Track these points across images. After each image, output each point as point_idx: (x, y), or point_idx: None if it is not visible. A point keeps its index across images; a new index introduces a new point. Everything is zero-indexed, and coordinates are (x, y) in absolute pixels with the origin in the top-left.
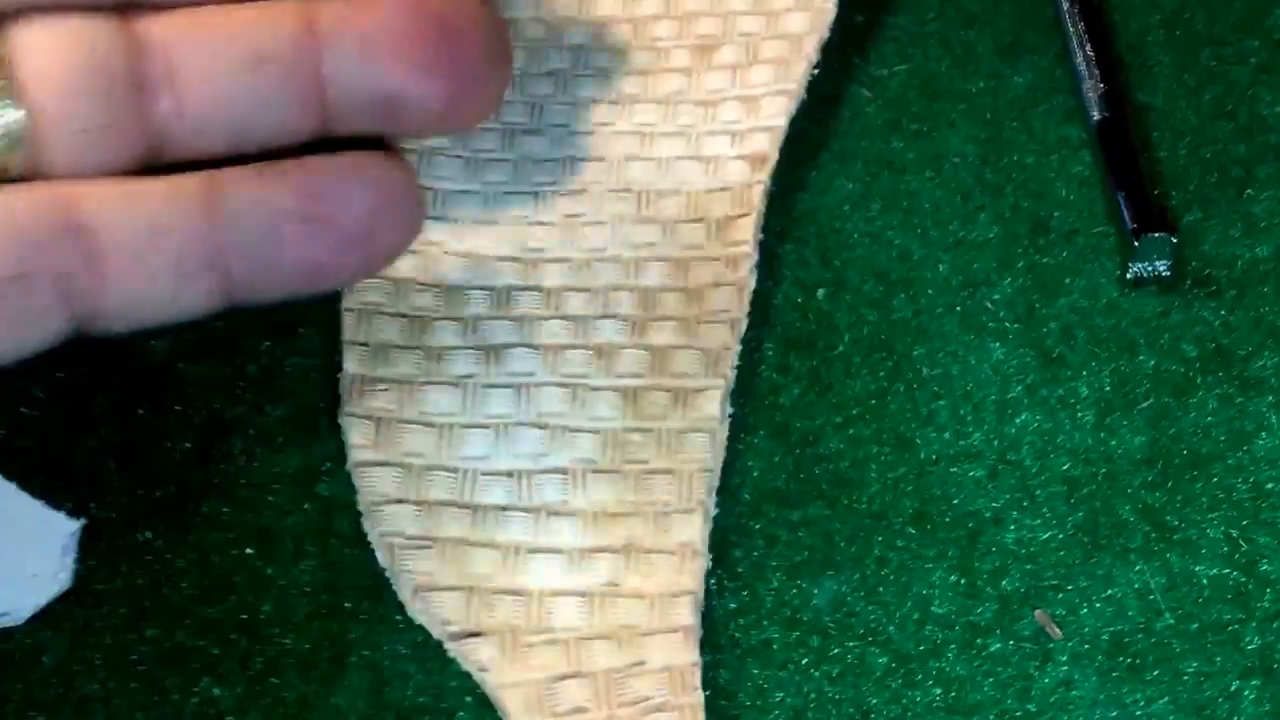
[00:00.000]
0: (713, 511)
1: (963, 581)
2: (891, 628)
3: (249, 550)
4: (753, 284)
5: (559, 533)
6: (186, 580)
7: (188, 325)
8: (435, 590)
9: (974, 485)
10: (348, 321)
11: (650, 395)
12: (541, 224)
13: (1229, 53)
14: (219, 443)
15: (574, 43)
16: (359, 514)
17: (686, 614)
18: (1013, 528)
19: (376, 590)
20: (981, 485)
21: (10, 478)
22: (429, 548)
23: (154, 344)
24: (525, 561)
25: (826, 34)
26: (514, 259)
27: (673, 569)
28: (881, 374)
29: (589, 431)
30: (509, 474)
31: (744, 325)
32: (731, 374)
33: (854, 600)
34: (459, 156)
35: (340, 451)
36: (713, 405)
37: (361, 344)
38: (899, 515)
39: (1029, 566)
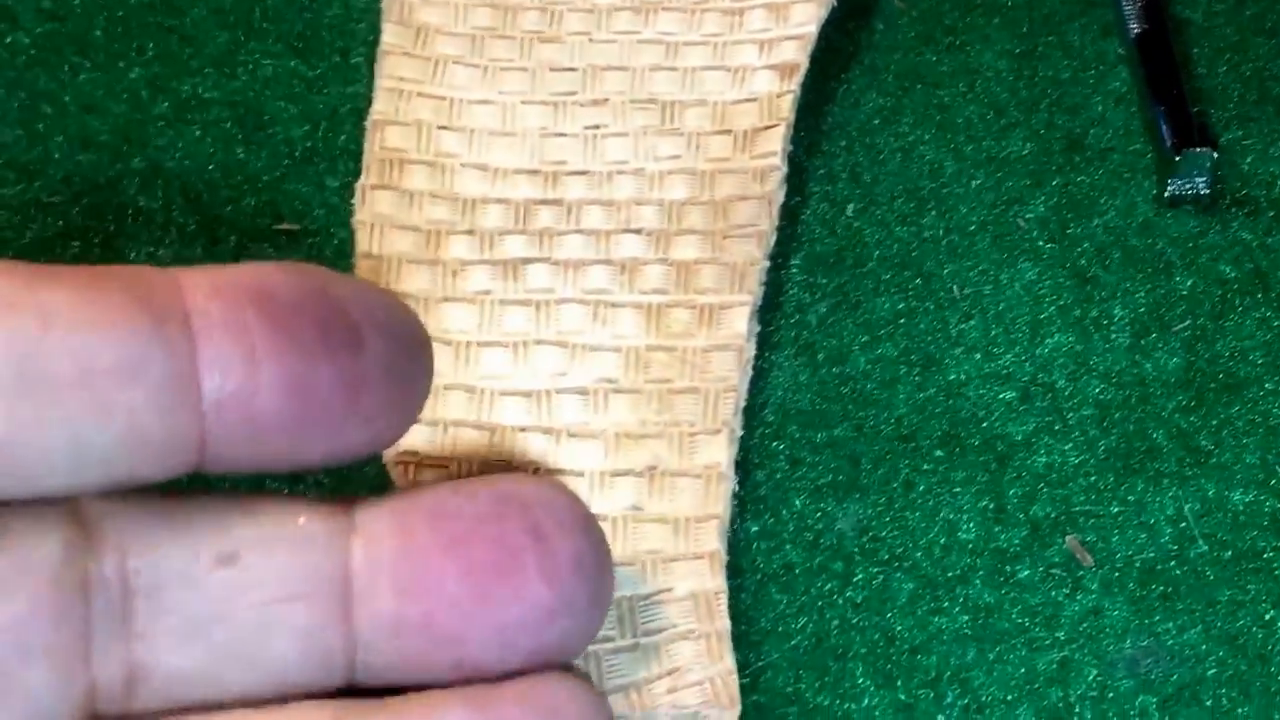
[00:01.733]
0: (739, 433)
1: (991, 507)
2: (918, 553)
3: None
4: (780, 198)
5: (580, 455)
6: None
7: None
8: None
9: (1004, 408)
10: (360, 235)
11: (674, 312)
12: (561, 135)
13: None
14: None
15: None
16: None
17: (713, 539)
18: (1043, 452)
19: None
20: (1012, 408)
21: None
22: (445, 468)
23: None
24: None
25: None
26: (532, 171)
27: (698, 492)
28: (911, 292)
29: (610, 350)
30: (528, 394)
31: (772, 240)
32: (759, 290)
33: (879, 525)
34: (475, 65)
35: None
36: (739, 322)
37: (374, 256)
38: (927, 438)
39: (1059, 491)
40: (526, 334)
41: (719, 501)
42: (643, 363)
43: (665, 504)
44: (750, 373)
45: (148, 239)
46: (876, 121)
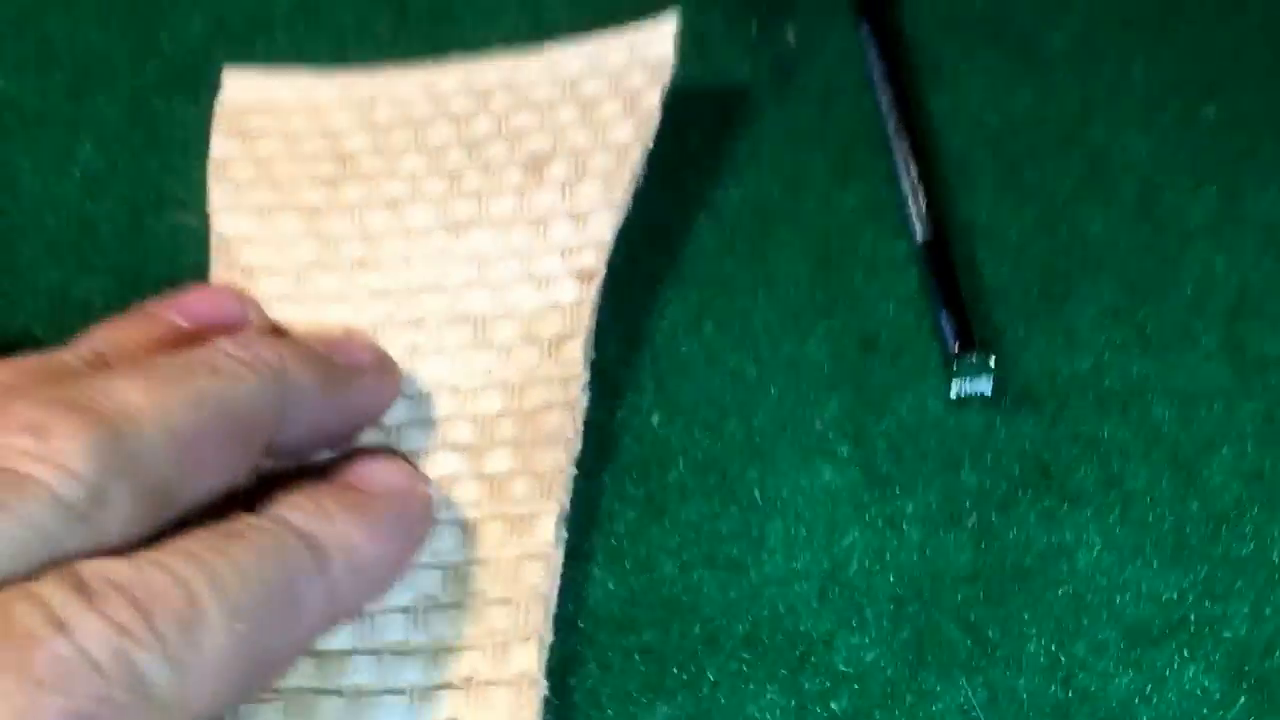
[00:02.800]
0: (549, 639)
1: (793, 703)
2: None
3: None
4: (584, 404)
5: (403, 673)
6: None
7: None
8: None
9: (804, 606)
10: None
11: (488, 525)
12: None
13: (1051, 168)
14: None
15: (411, 170)
16: None
17: None
18: (841, 647)
19: None
20: (811, 606)
21: None
22: (275, 701)
23: None
24: (370, 706)
25: (651, 143)
26: None
27: (511, 700)
28: (716, 497)
29: (430, 567)
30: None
31: (578, 446)
32: (566, 498)
33: None
34: (300, 302)
35: None
36: (547, 531)
37: None
38: (731, 639)
39: (856, 686)
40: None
41: (530, 708)
42: (460, 577)
43: (482, 713)
44: (559, 581)
45: None
46: (681, 330)
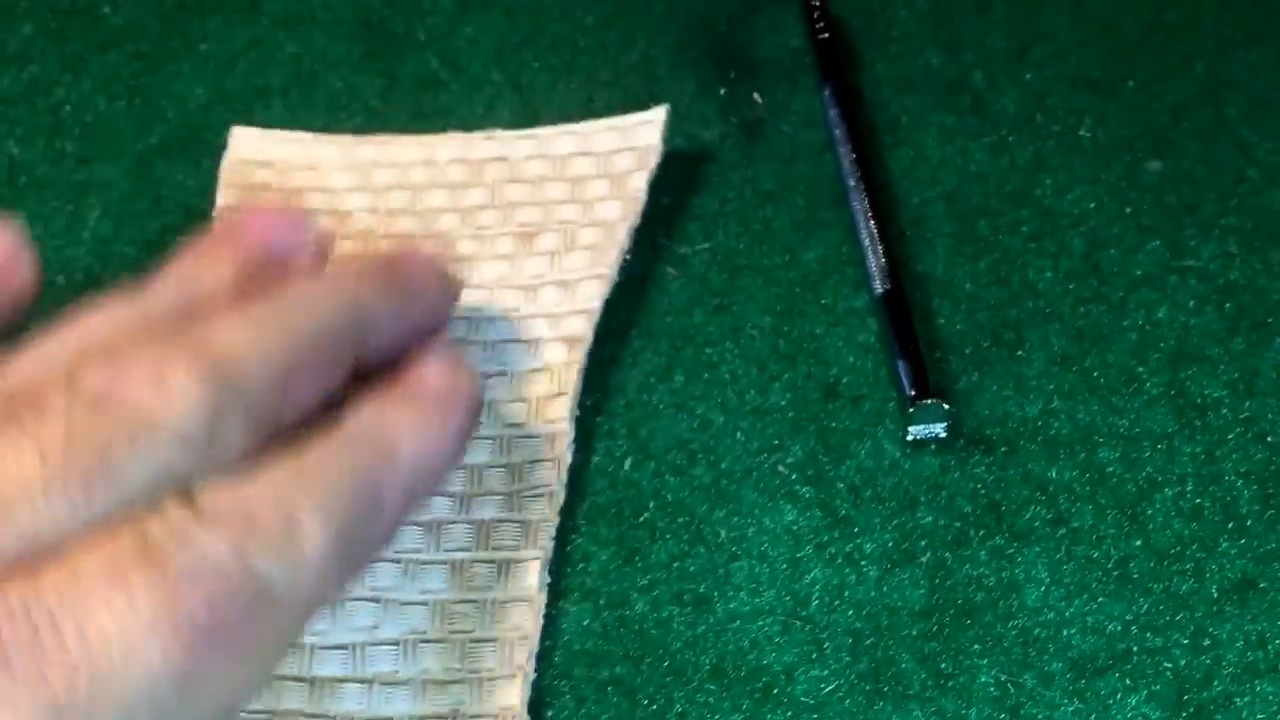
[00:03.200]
0: (531, 675)
1: None
2: None
3: None
4: (569, 459)
5: (390, 702)
6: None
7: None
8: None
9: (767, 640)
10: None
11: (475, 567)
12: None
13: (1002, 223)
14: None
15: (406, 230)
16: None
17: None
18: (802, 679)
19: None
20: (774, 640)
21: None
22: None
23: None
24: None
25: (638, 221)
26: None
27: None
28: (685, 538)
29: (419, 604)
30: (344, 647)
31: (562, 498)
32: (550, 545)
33: None
34: None
35: None
36: (532, 576)
37: None
38: (697, 671)
39: (815, 716)
40: (344, 591)
41: None
42: (447, 615)
43: None
44: (542, 621)
45: None
46: (652, 379)
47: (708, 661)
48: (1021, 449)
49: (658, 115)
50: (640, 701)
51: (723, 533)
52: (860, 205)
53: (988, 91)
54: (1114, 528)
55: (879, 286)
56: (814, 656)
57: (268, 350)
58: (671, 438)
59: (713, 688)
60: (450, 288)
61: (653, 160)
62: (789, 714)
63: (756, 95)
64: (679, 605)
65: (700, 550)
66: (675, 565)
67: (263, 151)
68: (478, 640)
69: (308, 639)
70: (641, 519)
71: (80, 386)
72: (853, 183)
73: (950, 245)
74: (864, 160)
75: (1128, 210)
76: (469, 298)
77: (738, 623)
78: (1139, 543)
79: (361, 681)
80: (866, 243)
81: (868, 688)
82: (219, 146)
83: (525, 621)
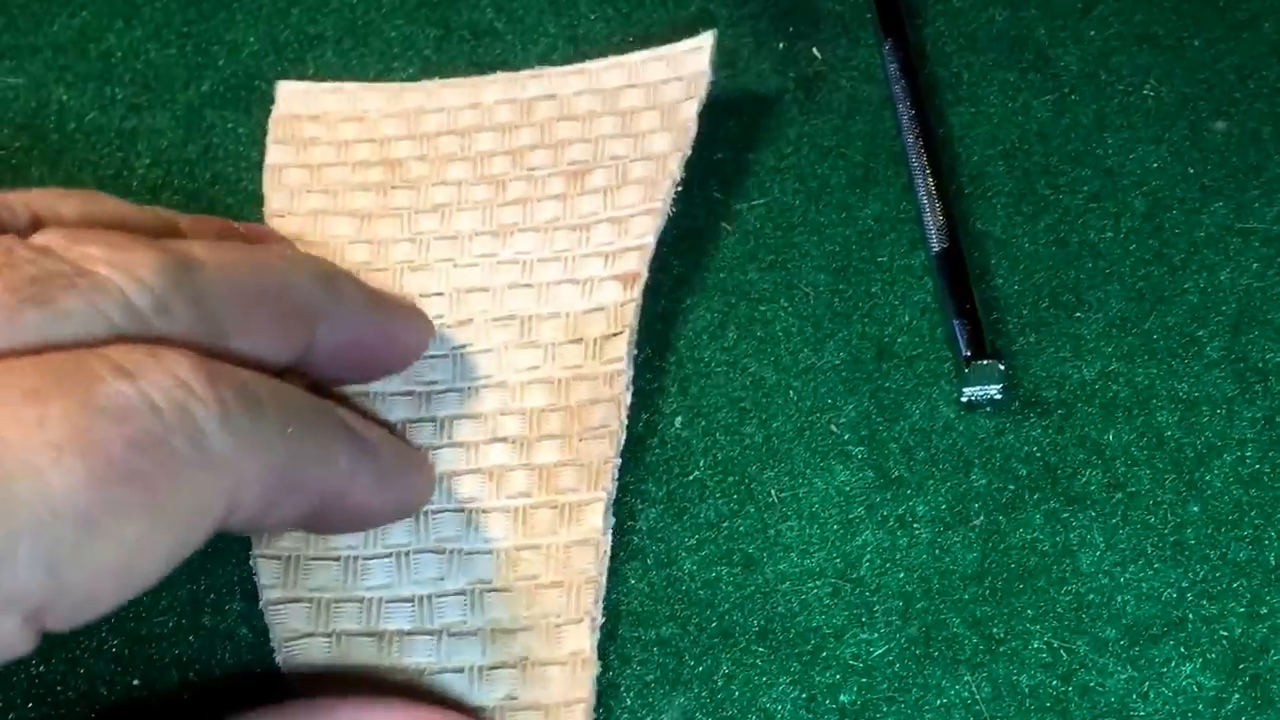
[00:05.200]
0: (600, 620)
1: (804, 695)
2: None
3: (135, 682)
4: (628, 399)
5: (461, 652)
6: (76, 713)
7: None
8: None
9: (817, 602)
10: None
11: (538, 513)
12: (433, 357)
13: (1063, 182)
14: None
15: (458, 177)
16: (242, 644)
17: None
18: (851, 642)
19: None
20: (824, 602)
21: None
22: (342, 677)
23: None
24: (430, 684)
25: (689, 151)
26: (408, 392)
27: (566, 679)
28: (734, 497)
29: (484, 552)
30: (411, 599)
31: (623, 438)
32: (613, 486)
33: (702, 716)
34: None
35: (225, 582)
36: (596, 518)
37: None
38: (745, 633)
39: (865, 680)
40: (408, 544)
41: (584, 686)
42: (512, 562)
43: (538, 691)
44: (607, 564)
45: None
46: (704, 336)
47: (756, 623)
48: (1078, 411)
49: (705, 41)
50: (687, 663)
51: (773, 493)
52: (919, 162)
53: (1050, 48)
54: (1171, 493)
55: (936, 245)
56: (864, 620)
57: (232, 273)
58: (723, 396)
59: (760, 649)
60: (424, 324)
61: (702, 87)
62: (837, 677)
63: (815, 50)
64: (728, 565)
65: (750, 510)
66: (724, 525)
67: (310, 105)
68: (544, 586)
69: (373, 592)
70: (691, 477)
71: (34, 240)
72: (911, 139)
73: (1009, 204)
74: (923, 117)
75: (1191, 171)
76: (521, 243)
77: (787, 584)
78: (1196, 509)
79: (430, 633)
80: (924, 200)
81: (918, 652)
82: (271, 96)
83: (590, 565)
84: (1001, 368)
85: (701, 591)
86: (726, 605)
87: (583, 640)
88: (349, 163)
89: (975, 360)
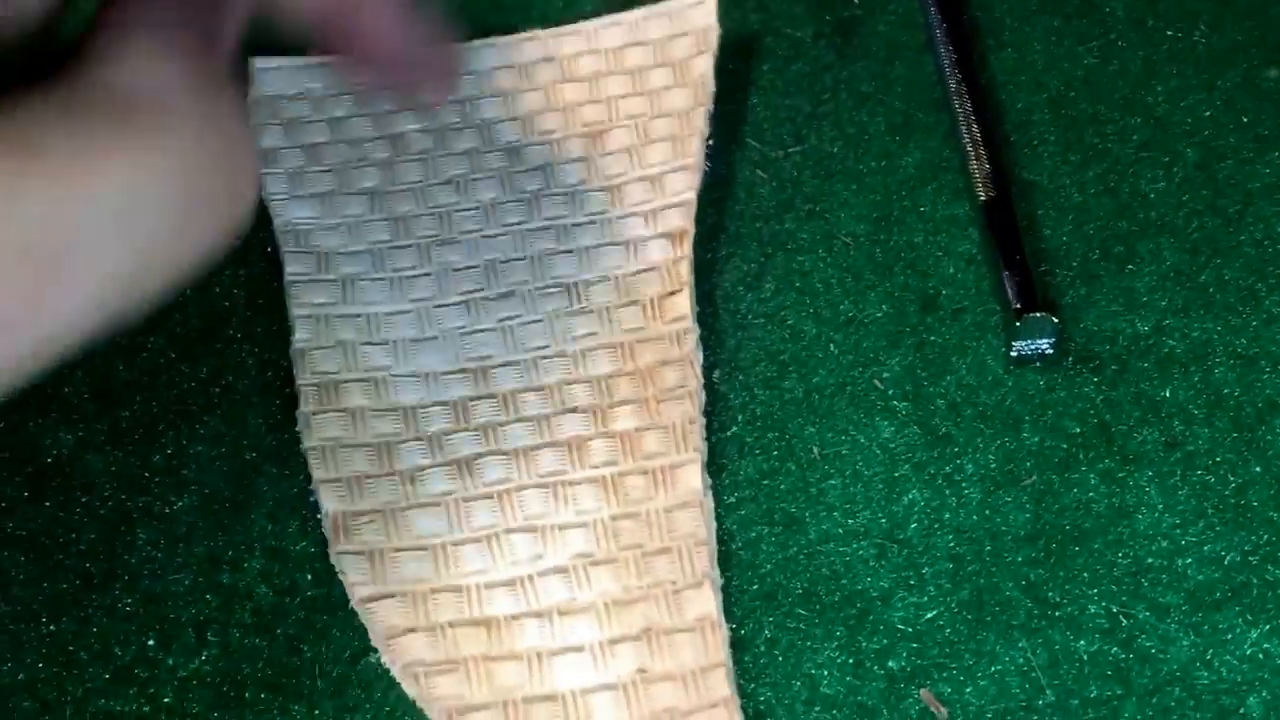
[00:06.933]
0: (720, 581)
1: (850, 661)
2: (780, 709)
3: (150, 641)
4: (700, 357)
5: (575, 630)
6: (89, 672)
7: (95, 415)
8: (470, 711)
9: (862, 564)
10: (314, 460)
11: (628, 480)
12: (480, 331)
13: (1111, 131)
14: (124, 533)
15: (467, 147)
16: (263, 604)
17: (722, 686)
18: (899, 606)
19: (276, 681)
20: (869, 564)
21: None
22: (454, 671)
23: (61, 435)
24: (550, 665)
25: (711, 106)
26: (461, 370)
27: (696, 644)
28: (774, 453)
29: (577, 526)
30: (510, 582)
31: (703, 397)
32: (704, 445)
33: (745, 682)
34: (381, 279)
35: (244, 539)
36: (693, 479)
37: (334, 480)
38: (788, 596)
39: (914, 645)
40: (495, 525)
41: (719, 649)
42: (611, 533)
43: (669, 661)
44: (715, 523)
45: None
46: (741, 288)
47: (799, 585)
48: (1132, 367)
49: None
50: (728, 625)
51: (815, 449)
52: (962, 109)
53: None
54: (1231, 452)
55: (982, 194)
56: (912, 583)
57: None
58: (761, 349)
59: (804, 613)
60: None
61: (713, 41)
62: (885, 642)
63: None
64: (769, 525)
65: (791, 467)
66: (765, 483)
67: (292, 82)
68: (651, 554)
69: (469, 579)
70: (729, 433)
71: None
72: (954, 85)
73: (1056, 153)
74: (965, 62)
75: (1245, 120)
76: (548, 209)
77: (831, 545)
78: (1258, 469)
79: (537, 615)
80: (968, 149)
81: (970, 617)
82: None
83: (697, 526)
84: (1054, 321)
85: (742, 552)
86: (768, 566)
87: (707, 604)
88: (347, 141)
89: (1026, 313)
